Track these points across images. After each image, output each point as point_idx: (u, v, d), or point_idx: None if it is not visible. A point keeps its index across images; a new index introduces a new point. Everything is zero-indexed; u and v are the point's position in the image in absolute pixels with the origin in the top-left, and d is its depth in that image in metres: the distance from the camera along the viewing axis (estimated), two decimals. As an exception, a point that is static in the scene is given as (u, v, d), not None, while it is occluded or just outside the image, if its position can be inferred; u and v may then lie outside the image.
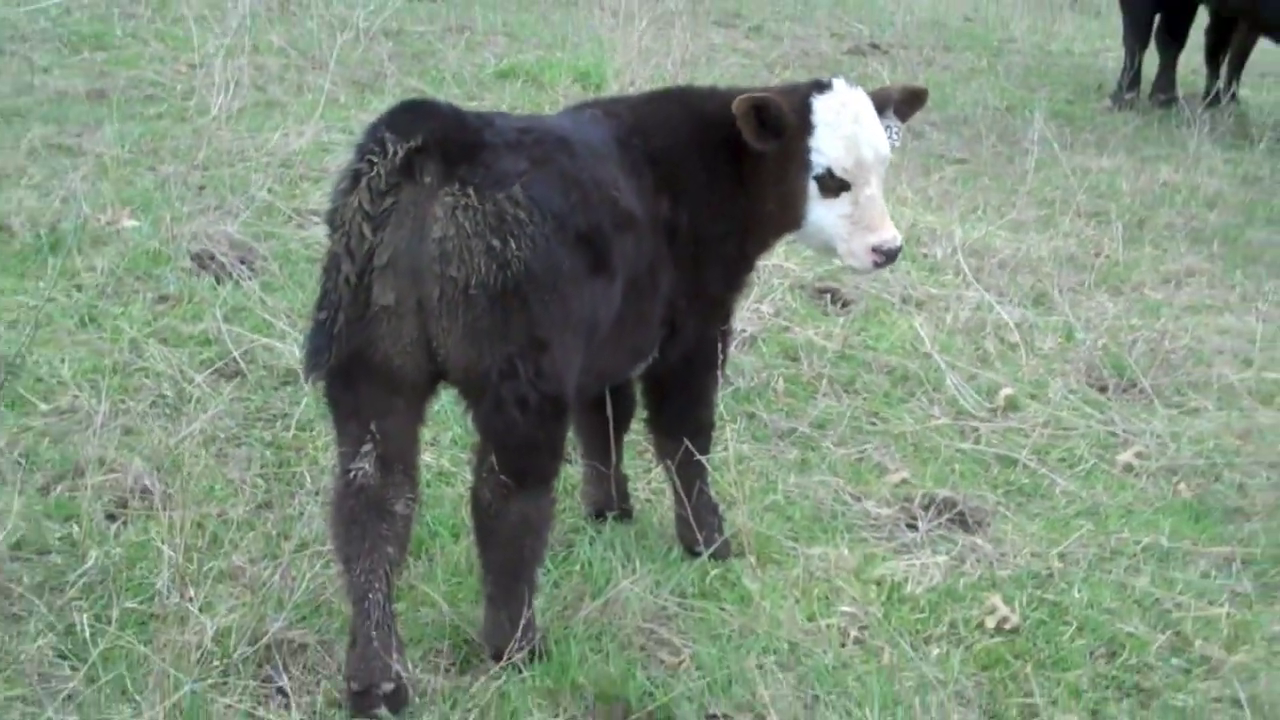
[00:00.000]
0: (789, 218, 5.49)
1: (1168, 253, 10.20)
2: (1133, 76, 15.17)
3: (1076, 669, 5.32)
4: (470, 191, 4.42)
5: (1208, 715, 5.13)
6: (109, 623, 4.94)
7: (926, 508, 6.30)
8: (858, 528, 6.16)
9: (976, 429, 7.11)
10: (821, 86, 5.40)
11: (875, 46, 15.98)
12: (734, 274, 5.62)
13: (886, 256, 5.45)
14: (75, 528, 5.52)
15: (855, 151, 5.32)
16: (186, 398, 6.50)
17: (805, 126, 5.32)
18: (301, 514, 5.73)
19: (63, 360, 6.65)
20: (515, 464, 4.70)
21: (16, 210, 7.86)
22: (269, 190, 8.85)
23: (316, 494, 5.89)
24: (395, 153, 4.38)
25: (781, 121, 5.27)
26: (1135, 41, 15.21)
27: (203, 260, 7.85)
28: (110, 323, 7.08)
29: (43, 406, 6.31)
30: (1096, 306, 8.84)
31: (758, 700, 4.84)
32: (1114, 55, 17.00)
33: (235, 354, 6.85)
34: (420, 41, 13.37)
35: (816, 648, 5.27)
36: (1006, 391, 7.42)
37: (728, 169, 5.41)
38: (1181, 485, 6.74)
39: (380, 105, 10.54)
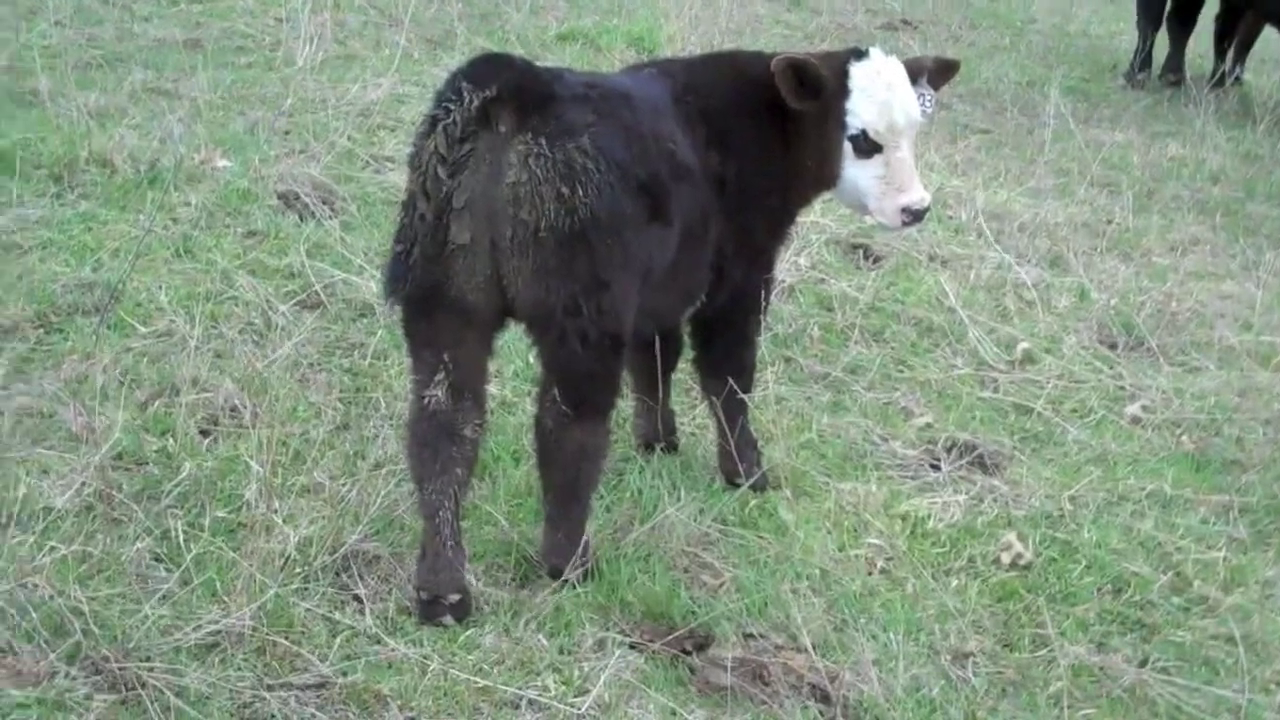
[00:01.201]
0: (826, 175, 5.42)
1: (1174, 222, 10.07)
2: (1144, 58, 14.99)
3: (1084, 604, 5.28)
4: (542, 141, 4.38)
5: (1205, 650, 5.10)
6: (201, 530, 4.96)
7: (949, 450, 6.25)
8: (885, 466, 6.12)
9: (995, 379, 7.05)
10: (859, 54, 5.32)
11: (906, 22, 15.78)
12: (776, 225, 5.57)
13: (914, 216, 5.39)
14: (171, 441, 5.52)
15: (888, 116, 5.25)
16: (272, 326, 6.49)
17: (842, 90, 5.25)
18: (376, 436, 5.73)
19: (160, 287, 6.64)
20: (576, 395, 4.69)
21: (119, 148, 7.82)
22: (348, 137, 8.81)
23: (390, 418, 5.88)
24: (472, 101, 4.33)
25: (819, 82, 5.20)
26: (1148, 25, 15.01)
27: (288, 200, 7.81)
28: (204, 254, 7.05)
29: (142, 329, 6.31)
30: (1108, 270, 8.74)
31: (792, 622, 4.83)
32: (1127, 37, 16.78)
33: (317, 287, 6.83)
34: (488, 4, 13.23)
35: (845, 575, 5.24)
36: (1024, 345, 7.34)
37: (772, 128, 5.34)
38: (1184, 438, 6.68)
39: (451, 61, 10.57)
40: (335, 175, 8.23)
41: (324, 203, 7.83)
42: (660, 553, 5.20)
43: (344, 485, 5.30)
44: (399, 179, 8.27)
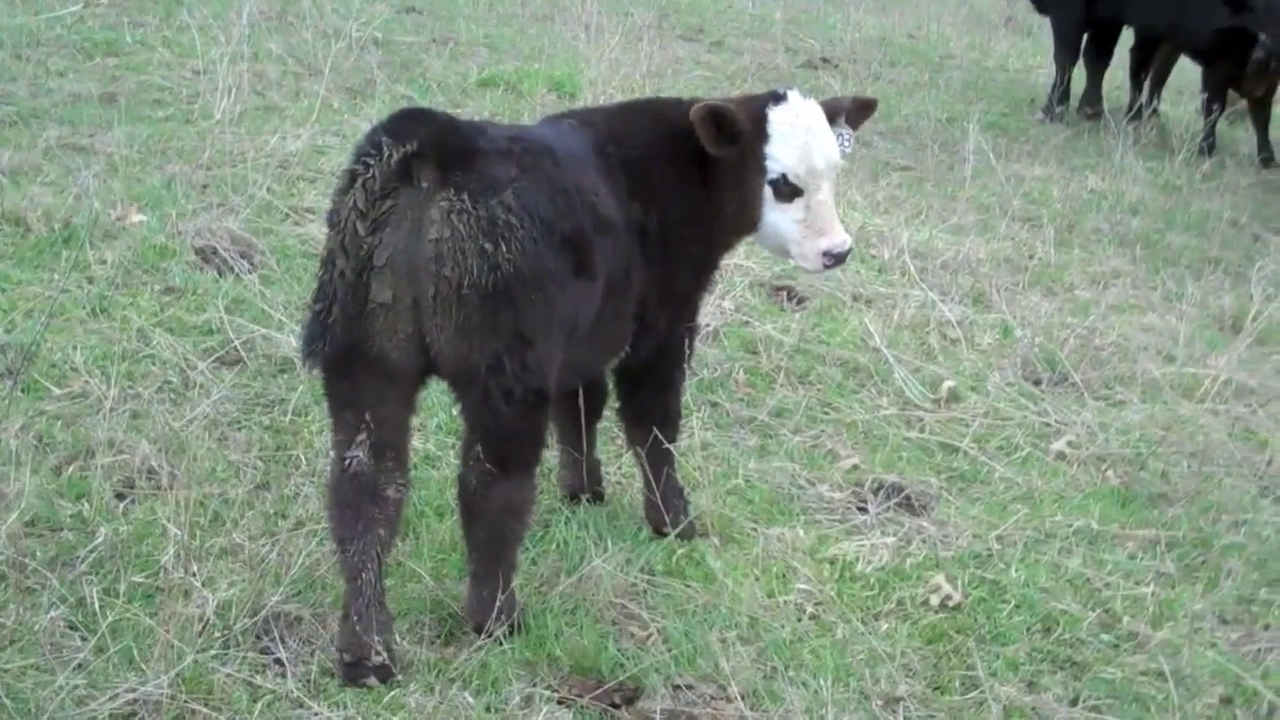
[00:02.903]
0: (746, 220, 5.41)
1: (1095, 255, 10.18)
2: (1063, 91, 15.18)
3: (1014, 643, 5.29)
4: (465, 197, 4.33)
5: (1135, 687, 5.11)
6: (117, 596, 4.85)
7: (876, 492, 6.25)
8: (812, 510, 6.11)
9: (921, 418, 7.06)
10: (777, 98, 5.32)
11: (826, 61, 15.85)
12: (700, 273, 5.55)
13: (836, 259, 5.39)
14: (86, 506, 5.41)
15: (808, 159, 5.25)
16: (191, 384, 6.39)
17: (761, 135, 5.25)
18: (297, 494, 5.65)
19: (75, 348, 6.52)
20: (499, 452, 4.63)
21: (32, 206, 7.69)
22: (268, 189, 8.70)
23: (312, 475, 5.81)
24: (392, 156, 4.28)
25: (736, 128, 5.19)
26: (1065, 59, 15.22)
27: (206, 255, 7.72)
28: (119, 313, 6.94)
29: (56, 391, 6.18)
30: (1030, 305, 8.80)
31: (720, 673, 4.79)
32: (1044, 72, 16.99)
33: (236, 343, 6.72)
34: (408, 51, 13.19)
35: (775, 623, 5.22)
36: (949, 384, 7.37)
37: (693, 175, 5.33)
38: (1109, 472, 6.72)
39: (371, 111, 10.51)
40: (254, 228, 8.13)
41: (243, 257, 7.74)
42: (588, 605, 5.15)
43: (264, 546, 5.22)
44: (319, 231, 8.19)
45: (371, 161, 4.29)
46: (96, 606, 4.78)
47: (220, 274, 7.54)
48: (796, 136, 5.24)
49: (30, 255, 7.39)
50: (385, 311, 4.40)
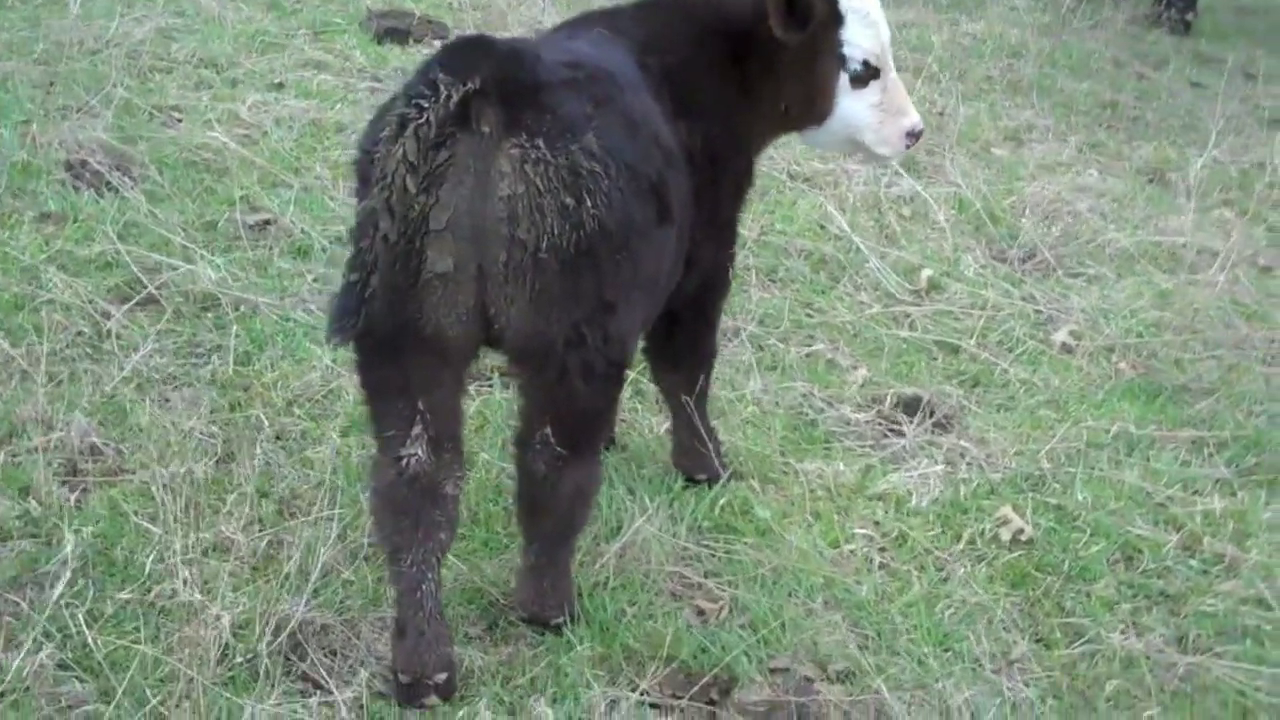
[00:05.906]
0: (812, 115, 4.77)
1: (996, 105, 9.80)
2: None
3: (1102, 579, 4.87)
4: (539, 143, 3.55)
5: (1241, 619, 4.73)
6: (105, 619, 4.09)
7: (899, 408, 5.74)
8: (839, 435, 5.56)
9: (909, 314, 6.54)
10: None
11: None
12: (742, 191, 4.84)
13: (915, 138, 4.86)
14: (34, 504, 4.56)
15: (880, 35, 4.65)
16: (106, 333, 5.53)
17: (835, 16, 4.59)
18: (270, 466, 4.91)
19: (-42, 299, 5.61)
20: (573, 434, 3.94)
21: None
22: (124, 86, 7.69)
23: (278, 440, 5.09)
24: (450, 97, 3.49)
25: (809, 10, 4.50)
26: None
27: (77, 170, 6.76)
28: (-1, 250, 6.01)
29: (-46, 356, 5.29)
30: (964, 170, 8.28)
31: (819, 649, 4.28)
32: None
33: (146, 282, 5.82)
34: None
35: (849, 579, 4.68)
36: (927, 273, 6.86)
37: (732, 80, 4.62)
38: (1122, 364, 6.33)
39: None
40: (123, 135, 7.17)
41: (119, 170, 6.79)
42: (642, 577, 4.55)
43: (258, 538, 4.49)
44: (194, 134, 7.30)
45: (426, 104, 3.50)
46: (89, 639, 3.99)
47: (99, 193, 6.62)
48: (870, 14, 4.62)
49: (-127, 186, 6.37)
50: (444, 283, 3.62)
